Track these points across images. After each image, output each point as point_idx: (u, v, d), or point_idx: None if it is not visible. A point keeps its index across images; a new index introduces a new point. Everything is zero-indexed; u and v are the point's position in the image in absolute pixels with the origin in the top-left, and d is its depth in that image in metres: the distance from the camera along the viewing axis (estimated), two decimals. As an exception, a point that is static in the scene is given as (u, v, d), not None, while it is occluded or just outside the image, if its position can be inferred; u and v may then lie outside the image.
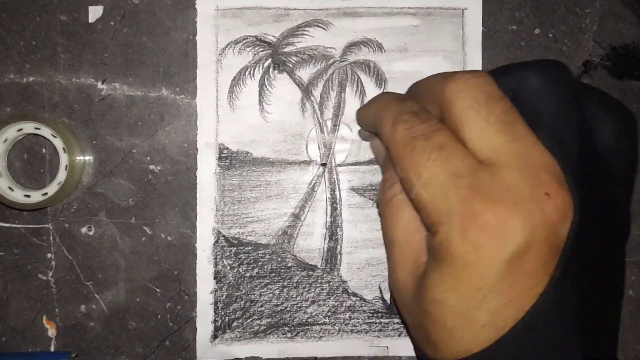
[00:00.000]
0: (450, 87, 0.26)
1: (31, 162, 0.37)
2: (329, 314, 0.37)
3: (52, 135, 0.36)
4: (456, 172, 0.25)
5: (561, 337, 0.25)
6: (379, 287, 0.37)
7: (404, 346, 0.37)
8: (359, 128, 0.37)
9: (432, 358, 0.26)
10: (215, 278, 0.37)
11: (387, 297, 0.37)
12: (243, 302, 0.37)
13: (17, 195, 0.36)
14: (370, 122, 0.31)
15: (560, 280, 0.24)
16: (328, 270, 0.37)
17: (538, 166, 0.25)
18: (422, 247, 0.27)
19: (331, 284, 0.37)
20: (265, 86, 0.37)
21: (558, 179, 0.24)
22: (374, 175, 0.37)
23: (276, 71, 0.38)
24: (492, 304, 0.24)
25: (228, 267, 0.37)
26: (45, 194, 0.35)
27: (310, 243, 0.37)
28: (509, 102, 0.26)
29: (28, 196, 0.36)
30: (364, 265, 0.37)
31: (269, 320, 0.37)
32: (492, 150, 0.25)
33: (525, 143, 0.25)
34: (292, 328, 0.37)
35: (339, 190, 0.37)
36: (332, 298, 0.37)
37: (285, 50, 0.37)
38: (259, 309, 0.37)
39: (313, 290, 0.37)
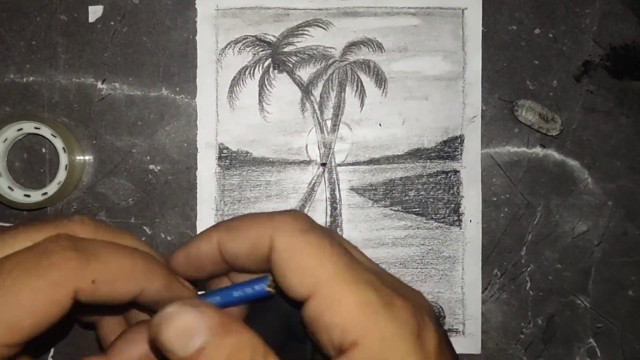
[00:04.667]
0: (274, 223, 0.24)
1: (31, 162, 0.37)
2: (329, 313, 0.37)
3: (52, 135, 0.36)
4: (366, 268, 0.24)
5: None
6: (379, 287, 0.37)
7: (404, 346, 0.37)
8: (358, 128, 0.37)
9: None
10: (215, 278, 0.37)
11: (387, 297, 0.37)
12: (243, 301, 0.37)
13: (17, 195, 0.36)
14: (202, 253, 0.26)
15: None
16: (328, 270, 0.37)
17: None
18: None
19: (331, 283, 0.37)
20: (265, 86, 0.37)
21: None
22: (374, 175, 0.37)
23: (276, 71, 0.38)
24: None
25: (228, 267, 0.37)
26: (45, 193, 0.35)
27: (310, 243, 0.37)
28: None
29: (28, 196, 0.36)
30: (364, 265, 0.37)
31: (269, 320, 0.37)
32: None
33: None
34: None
35: (339, 190, 0.37)
36: (332, 298, 0.37)
37: (285, 50, 0.37)
38: (259, 309, 0.37)
39: (313, 290, 0.37)
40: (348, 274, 0.22)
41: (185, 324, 0.21)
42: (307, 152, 0.37)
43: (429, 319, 0.23)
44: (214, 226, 0.26)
